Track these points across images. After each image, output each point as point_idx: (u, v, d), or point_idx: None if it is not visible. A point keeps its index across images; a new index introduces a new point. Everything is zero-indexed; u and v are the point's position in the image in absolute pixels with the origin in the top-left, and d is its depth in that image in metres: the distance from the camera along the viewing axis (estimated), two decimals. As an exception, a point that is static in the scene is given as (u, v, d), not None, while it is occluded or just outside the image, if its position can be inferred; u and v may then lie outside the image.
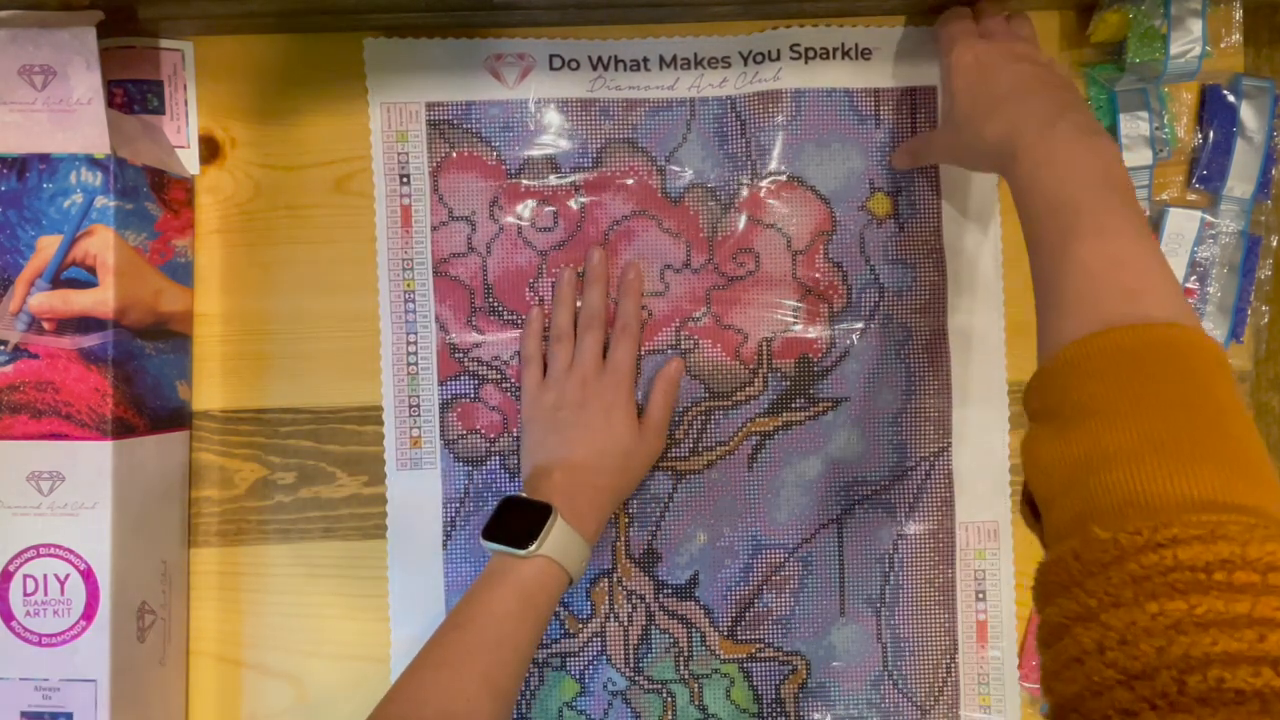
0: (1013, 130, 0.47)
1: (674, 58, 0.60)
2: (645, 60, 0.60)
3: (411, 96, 0.61)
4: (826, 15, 0.60)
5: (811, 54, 0.60)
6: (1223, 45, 0.60)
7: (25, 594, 0.53)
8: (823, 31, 0.60)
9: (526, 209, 0.61)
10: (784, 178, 0.61)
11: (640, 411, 0.59)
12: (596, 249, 0.60)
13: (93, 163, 0.53)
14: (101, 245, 0.53)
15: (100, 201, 0.53)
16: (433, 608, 0.61)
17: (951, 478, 0.61)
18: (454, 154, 0.61)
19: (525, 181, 0.61)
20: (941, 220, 0.61)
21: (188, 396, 0.61)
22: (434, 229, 0.61)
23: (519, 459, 0.60)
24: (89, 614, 0.53)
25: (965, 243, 0.61)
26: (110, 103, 0.58)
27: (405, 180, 0.61)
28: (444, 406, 0.61)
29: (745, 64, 0.60)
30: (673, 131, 0.61)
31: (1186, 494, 0.32)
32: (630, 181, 0.61)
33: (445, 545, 0.61)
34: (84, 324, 0.53)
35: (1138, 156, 0.60)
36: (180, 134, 0.61)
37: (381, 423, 0.61)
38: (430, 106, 0.61)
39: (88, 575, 0.53)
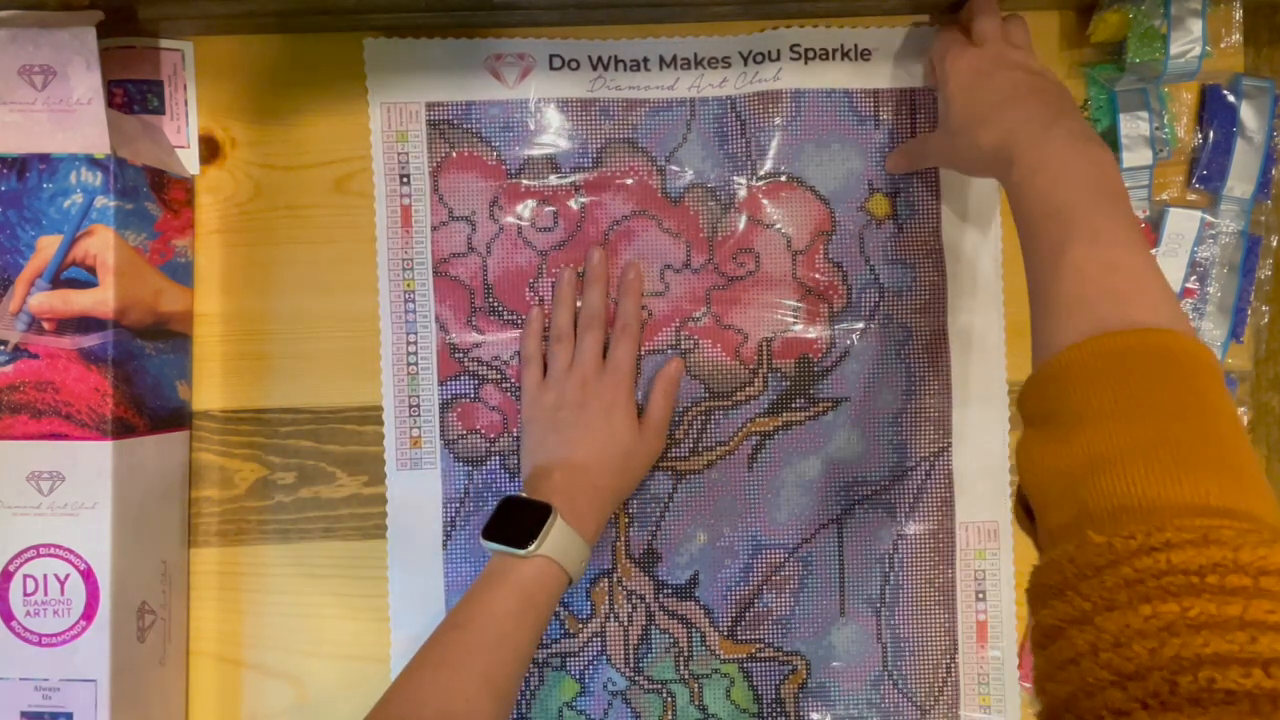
0: (1008, 137, 0.48)
1: (674, 58, 0.60)
2: (645, 60, 0.60)
3: (411, 96, 0.61)
4: (826, 16, 0.60)
5: (811, 54, 0.60)
6: (1223, 45, 0.60)
7: (25, 594, 0.53)
8: (822, 32, 0.60)
9: (526, 209, 0.61)
10: (784, 178, 0.61)
11: (640, 411, 0.59)
12: (596, 249, 0.60)
13: (93, 163, 0.53)
14: (101, 245, 0.53)
15: (100, 201, 0.53)
16: (433, 608, 0.61)
17: (951, 478, 0.61)
18: (454, 154, 0.61)
19: (525, 181, 0.61)
20: (941, 221, 0.61)
21: (188, 396, 0.61)
22: (434, 229, 0.61)
23: (519, 459, 0.60)
24: (89, 614, 0.53)
25: (965, 243, 0.61)
26: (110, 103, 0.58)
27: (405, 180, 0.61)
28: (444, 406, 0.61)
29: (745, 64, 0.60)
30: (673, 131, 0.61)
31: (1180, 499, 0.33)
32: (630, 181, 0.61)
33: (445, 545, 0.61)
34: (84, 324, 0.53)
35: (1138, 156, 0.60)
36: (180, 134, 0.61)
37: (381, 423, 0.61)
38: (430, 106, 0.61)
39: (88, 575, 0.53)
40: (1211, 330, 0.61)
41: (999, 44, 0.54)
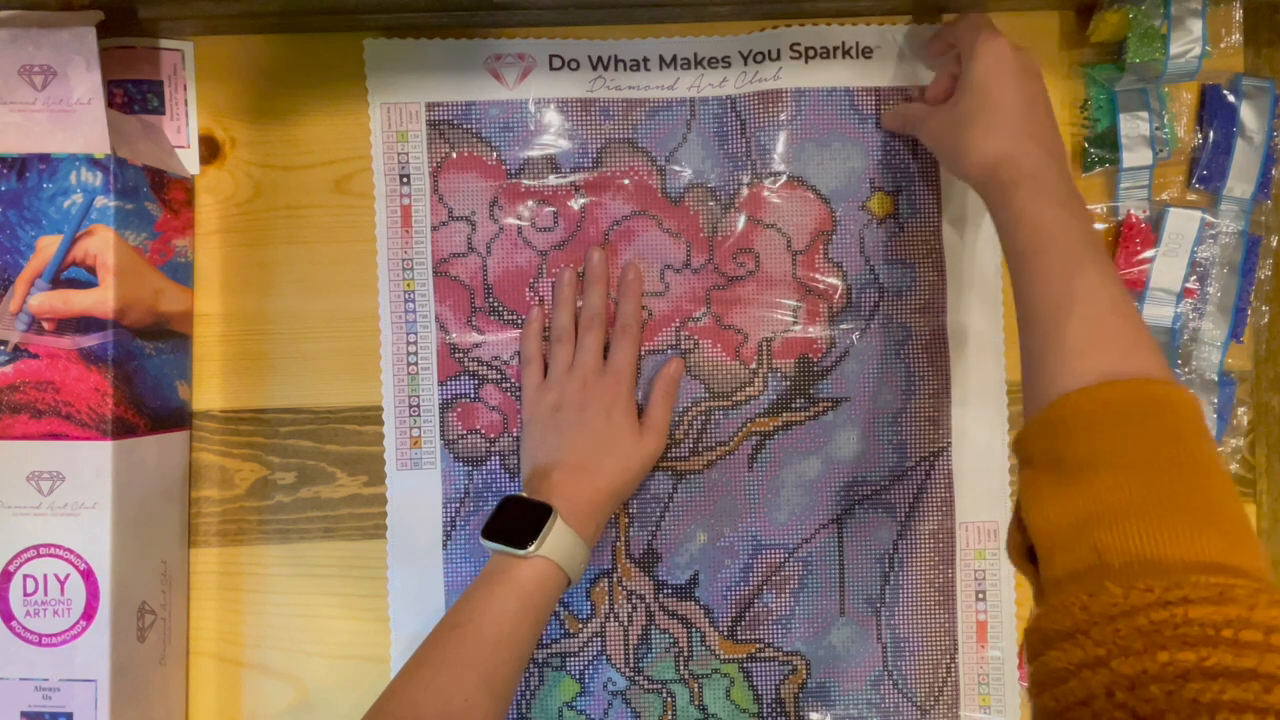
0: (1019, 154, 0.49)
1: (674, 57, 0.60)
2: (645, 60, 0.60)
3: (411, 97, 0.61)
4: (827, 15, 0.60)
5: (812, 53, 0.60)
6: (1223, 45, 0.60)
7: (25, 594, 0.53)
8: (823, 30, 0.60)
9: (526, 209, 0.61)
10: (784, 177, 0.61)
11: (640, 412, 0.59)
12: (596, 249, 0.60)
13: (93, 163, 0.53)
14: (101, 245, 0.53)
15: (100, 201, 0.53)
16: (433, 608, 0.61)
17: (951, 478, 0.61)
18: (454, 154, 0.61)
19: (525, 181, 0.61)
20: (941, 220, 0.61)
21: (188, 396, 0.61)
22: (434, 229, 0.61)
23: (519, 459, 0.60)
24: (89, 614, 0.53)
25: (965, 243, 0.61)
26: (110, 103, 0.58)
27: (405, 180, 0.61)
28: (444, 406, 0.61)
29: (745, 63, 0.60)
30: (673, 131, 0.61)
31: (1193, 555, 0.35)
32: (630, 181, 0.61)
33: (445, 545, 0.61)
34: (84, 324, 0.53)
35: (1138, 156, 0.60)
36: (180, 134, 0.61)
37: (381, 423, 0.61)
38: (430, 107, 0.61)
39: (88, 575, 0.53)
40: (1211, 330, 0.61)
41: (1018, 45, 0.53)
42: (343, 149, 0.61)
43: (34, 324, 0.53)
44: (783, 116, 0.60)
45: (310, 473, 0.61)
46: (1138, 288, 0.61)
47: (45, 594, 0.53)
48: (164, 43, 0.60)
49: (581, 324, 0.59)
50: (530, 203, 0.61)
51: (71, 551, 0.53)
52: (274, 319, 0.61)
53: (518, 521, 0.52)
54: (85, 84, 0.53)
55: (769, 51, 0.60)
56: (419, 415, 0.61)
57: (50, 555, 0.53)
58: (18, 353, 0.53)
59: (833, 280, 0.61)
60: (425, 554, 0.61)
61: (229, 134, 0.61)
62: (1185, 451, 0.38)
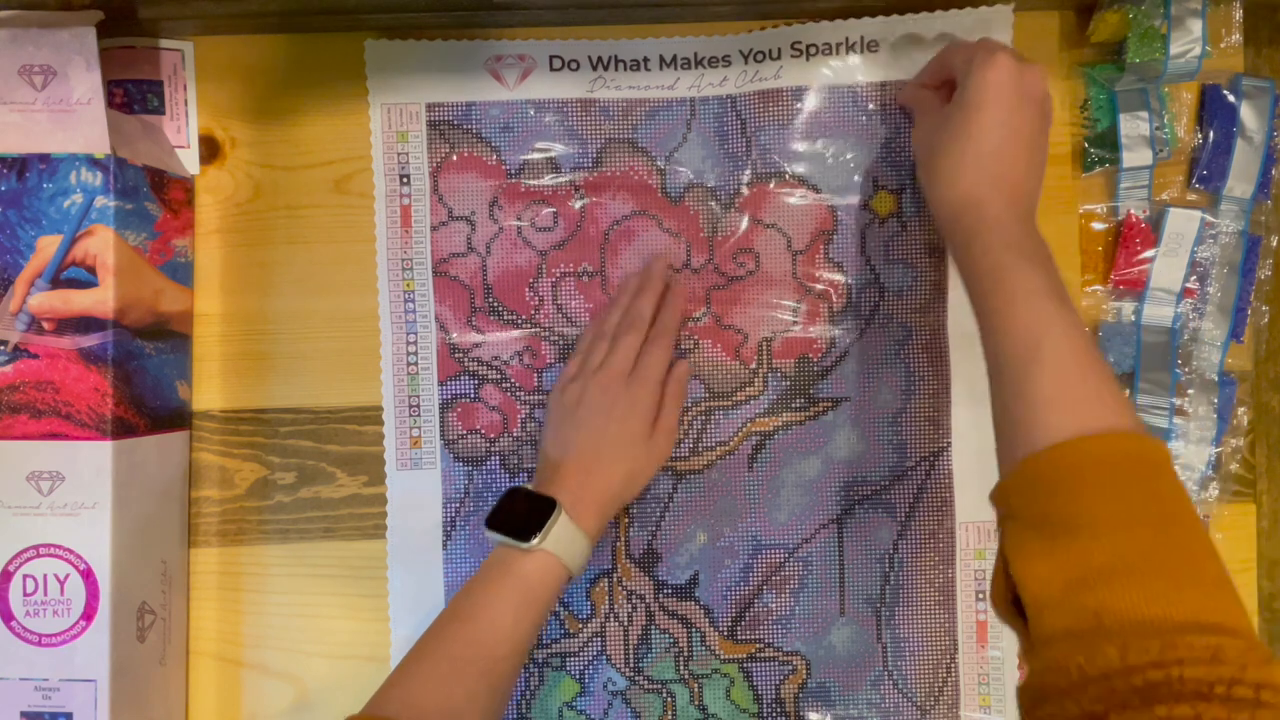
0: (983, 199, 0.49)
1: (674, 57, 0.60)
2: (645, 60, 0.60)
3: (412, 97, 0.61)
4: (829, 15, 0.59)
5: (813, 50, 0.60)
6: (1223, 45, 0.60)
7: (25, 594, 0.53)
8: (825, 27, 0.59)
9: (526, 209, 0.61)
10: (785, 176, 0.61)
11: None
12: (658, 259, 0.60)
13: (93, 163, 0.53)
14: (101, 245, 0.53)
15: (100, 201, 0.53)
16: (433, 608, 0.60)
17: (951, 478, 0.61)
18: (454, 154, 0.61)
19: (525, 182, 0.61)
20: (941, 220, 0.61)
21: (188, 396, 0.61)
22: (434, 229, 0.61)
23: (537, 446, 0.60)
24: (89, 614, 0.53)
25: (965, 243, 0.61)
26: (110, 103, 0.58)
27: (405, 180, 0.61)
28: (444, 406, 0.61)
29: (746, 62, 0.60)
30: (673, 131, 0.61)
31: (1185, 616, 0.36)
32: (630, 181, 0.61)
33: (445, 545, 0.61)
34: (84, 324, 0.53)
35: (1138, 156, 0.60)
36: (180, 134, 0.61)
37: (381, 423, 0.61)
38: (430, 107, 0.61)
39: (88, 575, 0.53)
40: (1211, 330, 0.61)
41: (1021, 56, 0.52)
42: (343, 149, 0.61)
43: (34, 324, 0.53)
44: (784, 115, 0.60)
45: (310, 473, 0.61)
46: (1138, 288, 0.61)
47: (45, 594, 0.53)
48: (164, 43, 0.60)
49: (620, 326, 0.58)
50: (530, 203, 0.61)
51: (71, 551, 0.53)
52: (274, 319, 0.61)
53: (522, 513, 0.52)
54: (85, 84, 0.53)
55: (769, 50, 0.60)
56: (419, 415, 0.61)
57: (50, 555, 0.53)
58: (18, 353, 0.53)
59: (833, 280, 0.61)
60: (425, 554, 0.61)
61: (229, 134, 0.61)
62: (1166, 508, 0.40)
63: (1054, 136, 0.61)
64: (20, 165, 0.53)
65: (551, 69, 0.60)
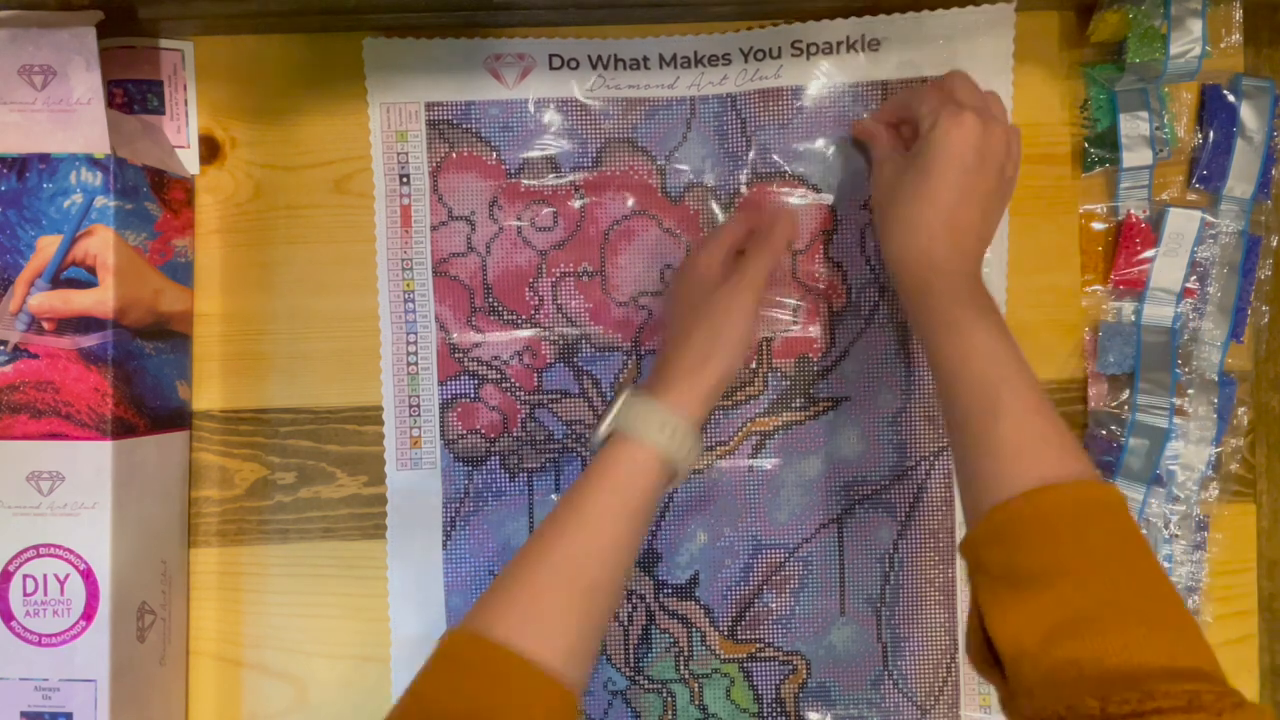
0: (936, 255, 0.50)
1: (674, 56, 0.60)
2: (645, 59, 0.60)
3: (411, 96, 0.61)
4: (829, 14, 0.59)
5: (814, 49, 0.60)
6: (1223, 45, 0.60)
7: (25, 594, 0.53)
8: (826, 26, 0.59)
9: (526, 209, 0.61)
10: (785, 176, 0.61)
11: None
12: (787, 214, 0.57)
13: (93, 163, 0.53)
14: (101, 245, 0.53)
15: (100, 201, 0.53)
16: (433, 608, 0.61)
17: (951, 477, 0.61)
18: (454, 154, 0.61)
19: (525, 181, 0.61)
20: (941, 220, 0.61)
21: (188, 396, 0.61)
22: (433, 229, 0.61)
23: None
24: (89, 614, 0.53)
25: (965, 242, 0.61)
26: (110, 103, 0.58)
27: (405, 180, 0.61)
28: (444, 406, 0.61)
29: (746, 61, 0.60)
30: (673, 130, 0.61)
31: (1160, 663, 0.37)
32: (630, 181, 0.61)
33: (445, 545, 0.61)
34: (84, 324, 0.53)
35: (1138, 156, 0.60)
36: (180, 134, 0.61)
37: (381, 423, 0.61)
38: (430, 106, 0.61)
39: (88, 575, 0.53)
40: (1211, 330, 0.61)
41: (988, 115, 0.51)
42: (343, 149, 0.61)
43: (34, 324, 0.53)
44: (784, 115, 0.60)
45: (310, 473, 0.61)
46: (1138, 288, 0.61)
47: (45, 594, 0.53)
48: (164, 43, 0.60)
49: (731, 223, 0.57)
50: (530, 202, 0.61)
51: (71, 551, 0.53)
52: (274, 319, 0.61)
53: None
54: (85, 84, 0.53)
55: (770, 49, 0.60)
56: (419, 415, 0.61)
57: (50, 555, 0.53)
58: (18, 353, 0.53)
59: (833, 280, 0.61)
60: (425, 554, 0.61)
61: (229, 134, 0.61)
62: (1130, 553, 0.41)
63: (1054, 136, 0.62)
64: (20, 165, 0.53)
65: (551, 68, 0.60)
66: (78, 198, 0.53)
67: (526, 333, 0.61)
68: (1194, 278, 0.61)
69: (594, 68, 0.60)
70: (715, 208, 0.61)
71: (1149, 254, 0.60)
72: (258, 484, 0.61)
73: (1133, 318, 0.61)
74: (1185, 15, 0.57)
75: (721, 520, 0.61)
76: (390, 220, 0.61)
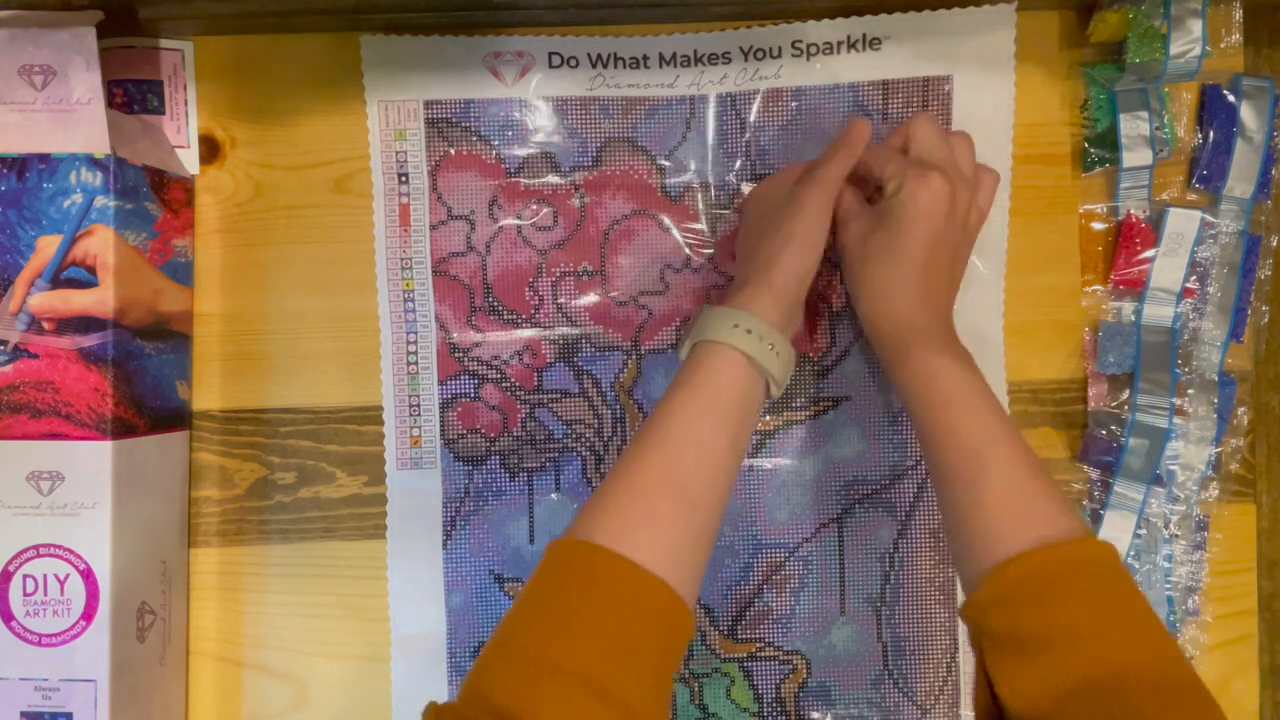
0: (910, 312, 0.50)
1: (674, 55, 0.60)
2: (645, 58, 0.60)
3: (410, 95, 0.60)
4: (829, 14, 0.59)
5: (814, 49, 0.60)
6: (1223, 45, 0.60)
7: (25, 594, 0.53)
8: (826, 25, 0.59)
9: (526, 208, 0.61)
10: (784, 177, 0.61)
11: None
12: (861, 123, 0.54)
13: (93, 163, 0.53)
14: (101, 245, 0.53)
15: (100, 201, 0.53)
16: (433, 608, 0.61)
17: (951, 477, 0.61)
18: (453, 153, 0.61)
19: (525, 180, 0.61)
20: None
21: (188, 396, 0.61)
22: (433, 228, 0.61)
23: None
24: (89, 614, 0.53)
25: (965, 242, 0.61)
26: (110, 103, 0.58)
27: (404, 179, 0.61)
28: (444, 406, 0.61)
29: (746, 60, 0.60)
30: (672, 130, 0.61)
31: None
32: (630, 180, 0.61)
33: (445, 545, 0.61)
34: (84, 324, 0.53)
35: (1138, 156, 0.60)
36: (180, 134, 0.61)
37: (381, 423, 0.61)
38: (429, 105, 0.61)
39: (87, 575, 0.53)
40: (1211, 330, 0.61)
41: (954, 171, 0.51)
42: (343, 149, 0.61)
43: (34, 324, 0.53)
44: (784, 115, 0.60)
45: (310, 473, 0.61)
46: (1138, 288, 0.61)
47: (45, 594, 0.53)
48: (164, 43, 0.60)
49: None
50: (530, 202, 0.61)
51: (71, 551, 0.53)
52: (274, 319, 0.61)
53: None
54: (85, 84, 0.53)
55: (770, 48, 0.60)
56: (419, 415, 0.61)
57: (50, 555, 0.53)
58: (17, 353, 0.53)
59: (833, 280, 0.61)
60: (425, 554, 0.61)
61: (229, 134, 0.61)
62: (1131, 610, 0.42)
63: (1054, 136, 0.62)
64: (20, 165, 0.53)
65: (551, 66, 0.60)
66: (78, 198, 0.53)
67: (526, 332, 0.61)
68: (1194, 278, 0.61)
69: (594, 66, 0.60)
70: (715, 207, 0.61)
71: (1149, 254, 0.60)
72: (258, 484, 0.61)
73: (1133, 318, 0.61)
74: (1185, 15, 0.57)
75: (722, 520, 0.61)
76: (389, 219, 0.61)
